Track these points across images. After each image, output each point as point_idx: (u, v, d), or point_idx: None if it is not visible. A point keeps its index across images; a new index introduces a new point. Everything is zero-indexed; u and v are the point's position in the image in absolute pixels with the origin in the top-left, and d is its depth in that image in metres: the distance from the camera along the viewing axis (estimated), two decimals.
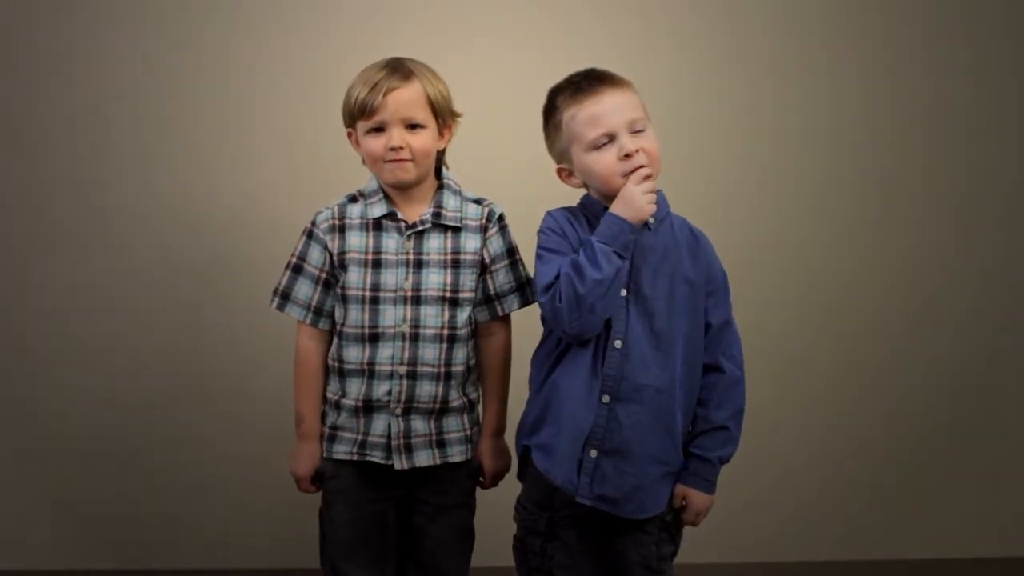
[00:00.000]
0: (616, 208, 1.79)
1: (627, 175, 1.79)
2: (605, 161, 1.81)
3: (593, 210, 1.87)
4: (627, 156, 1.79)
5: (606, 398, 1.81)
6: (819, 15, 2.71)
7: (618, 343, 1.81)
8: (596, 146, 1.81)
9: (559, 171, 1.90)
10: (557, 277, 1.79)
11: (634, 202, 1.77)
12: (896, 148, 2.75)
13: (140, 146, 2.58)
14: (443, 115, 1.94)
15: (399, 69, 1.91)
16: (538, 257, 1.87)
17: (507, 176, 2.41)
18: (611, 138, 1.80)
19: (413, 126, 1.90)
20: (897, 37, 2.73)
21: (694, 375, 1.87)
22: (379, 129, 1.90)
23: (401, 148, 1.88)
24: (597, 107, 1.81)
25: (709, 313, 1.88)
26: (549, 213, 1.91)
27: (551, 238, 1.87)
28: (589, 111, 1.81)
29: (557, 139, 1.87)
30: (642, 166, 1.79)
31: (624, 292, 1.82)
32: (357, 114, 1.91)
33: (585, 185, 1.89)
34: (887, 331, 2.77)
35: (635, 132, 1.81)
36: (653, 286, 1.83)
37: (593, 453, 1.81)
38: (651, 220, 1.84)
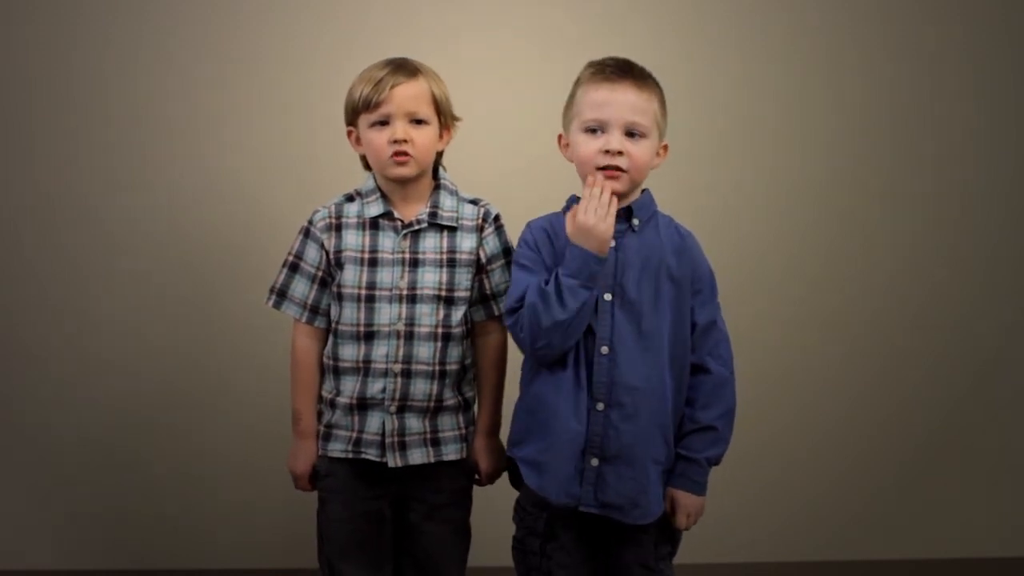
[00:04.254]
0: (578, 240, 1.78)
1: (599, 169, 1.80)
2: (588, 147, 1.82)
3: None
4: (607, 152, 1.80)
5: (600, 405, 1.80)
6: (821, 19, 2.71)
7: (604, 349, 1.81)
8: (587, 129, 1.82)
9: (560, 137, 1.91)
10: (521, 301, 1.81)
11: (594, 235, 1.76)
12: (896, 151, 2.75)
13: (137, 147, 2.59)
14: (445, 115, 1.96)
15: (404, 66, 1.93)
16: (512, 271, 1.89)
17: (505, 177, 2.42)
18: (603, 129, 1.81)
19: (417, 121, 1.91)
20: (898, 40, 2.73)
21: (682, 374, 1.86)
22: (383, 123, 1.91)
23: (405, 141, 1.89)
24: (606, 95, 1.81)
25: (695, 313, 1.86)
26: (529, 225, 1.91)
27: (524, 252, 1.88)
28: (597, 95, 1.82)
29: (568, 108, 1.89)
30: (617, 168, 1.80)
31: (609, 296, 1.81)
32: (361, 108, 1.91)
33: (572, 161, 1.89)
34: (888, 332, 2.77)
35: (631, 135, 1.81)
36: (639, 287, 1.82)
37: (594, 462, 1.81)
38: (635, 221, 1.85)
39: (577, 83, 1.88)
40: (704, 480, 1.86)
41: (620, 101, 1.81)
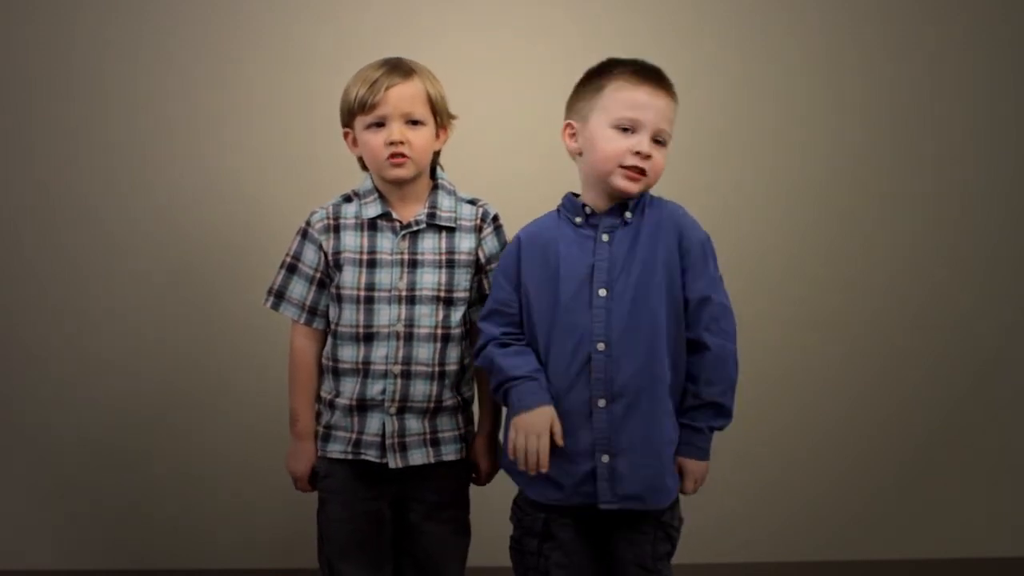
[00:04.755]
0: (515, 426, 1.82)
1: (622, 167, 1.81)
2: (617, 143, 1.82)
3: (569, 208, 1.89)
4: (637, 154, 1.81)
5: (602, 402, 1.80)
6: (821, 19, 2.71)
7: (601, 346, 1.80)
8: (619, 126, 1.82)
9: (567, 125, 1.90)
10: (489, 318, 1.90)
11: (523, 439, 1.81)
12: (895, 151, 2.74)
13: (137, 146, 2.59)
14: (441, 115, 1.96)
15: (400, 67, 1.93)
16: (493, 275, 1.94)
17: (504, 177, 2.41)
18: (635, 129, 1.81)
19: (413, 122, 1.91)
20: (899, 42, 2.73)
21: (682, 353, 1.84)
22: (379, 124, 1.91)
23: (401, 142, 1.89)
24: (647, 98, 1.82)
25: (686, 288, 1.84)
26: (518, 235, 1.92)
27: (505, 262, 1.91)
28: (638, 96, 1.82)
29: (588, 98, 1.87)
30: (641, 171, 1.81)
31: (604, 292, 1.81)
32: (357, 110, 1.91)
33: (579, 153, 1.88)
34: (888, 332, 2.77)
35: (656, 142, 1.83)
36: (628, 278, 1.82)
37: (605, 458, 1.80)
38: (628, 215, 1.85)
39: (607, 76, 1.85)
40: (708, 446, 1.86)
41: (658, 107, 1.82)
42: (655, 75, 1.85)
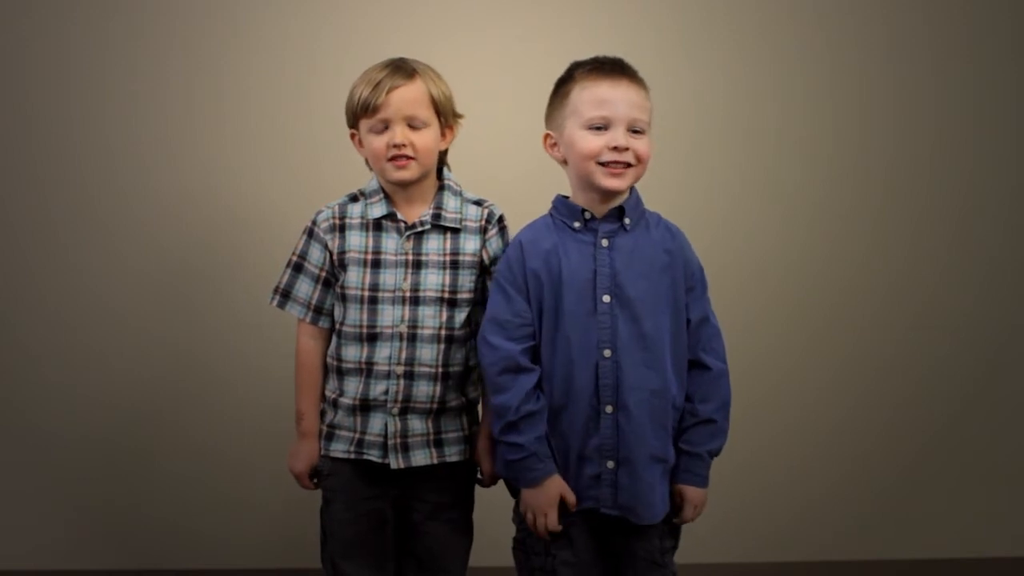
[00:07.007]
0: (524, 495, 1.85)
1: (602, 164, 1.81)
2: (591, 143, 1.82)
3: (564, 212, 1.89)
4: (615, 149, 1.80)
5: (608, 408, 1.81)
6: (821, 19, 2.72)
7: (607, 352, 1.81)
8: (591, 126, 1.82)
9: (546, 137, 1.91)
10: (494, 336, 1.85)
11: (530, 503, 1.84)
12: (896, 153, 2.75)
13: (137, 147, 2.59)
14: (446, 115, 1.95)
15: (402, 68, 1.92)
16: (491, 287, 1.91)
17: (509, 177, 2.42)
18: (607, 125, 1.81)
19: (416, 124, 1.91)
20: (900, 44, 2.74)
21: (682, 371, 1.86)
22: (382, 127, 1.91)
23: (404, 145, 1.89)
24: (609, 92, 1.82)
25: (689, 309, 1.87)
26: (518, 240, 1.90)
27: (504, 271, 1.89)
28: (600, 92, 1.82)
29: (560, 107, 1.88)
30: (624, 164, 1.81)
31: (608, 298, 1.82)
32: (360, 112, 1.91)
33: (564, 161, 1.89)
34: (889, 333, 2.77)
35: (633, 132, 1.82)
36: (636, 288, 1.83)
37: (610, 464, 1.81)
38: (627, 221, 1.86)
39: (570, 81, 1.86)
40: (707, 473, 1.87)
41: (622, 98, 1.82)
42: (615, 67, 1.85)
